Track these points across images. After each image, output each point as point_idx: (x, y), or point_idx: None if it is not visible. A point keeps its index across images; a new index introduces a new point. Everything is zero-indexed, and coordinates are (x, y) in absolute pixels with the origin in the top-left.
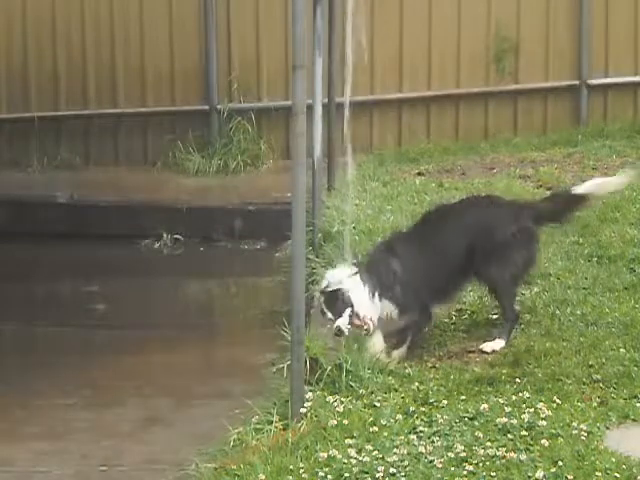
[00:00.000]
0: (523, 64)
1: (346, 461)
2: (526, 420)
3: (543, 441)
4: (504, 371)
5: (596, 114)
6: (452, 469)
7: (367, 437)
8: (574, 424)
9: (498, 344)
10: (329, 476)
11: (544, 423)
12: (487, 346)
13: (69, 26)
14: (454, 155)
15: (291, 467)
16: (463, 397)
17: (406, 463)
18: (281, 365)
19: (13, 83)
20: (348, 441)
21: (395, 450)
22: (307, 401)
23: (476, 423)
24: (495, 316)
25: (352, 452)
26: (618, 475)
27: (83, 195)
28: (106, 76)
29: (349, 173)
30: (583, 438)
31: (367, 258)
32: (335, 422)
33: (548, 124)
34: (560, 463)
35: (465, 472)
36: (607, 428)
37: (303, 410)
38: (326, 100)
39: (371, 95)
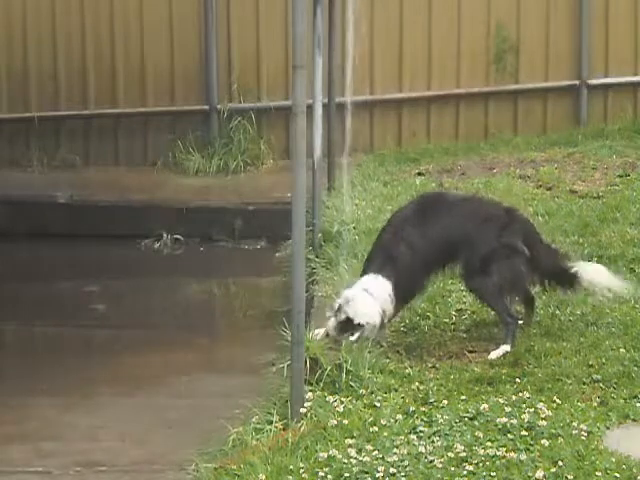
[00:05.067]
0: (523, 64)
1: (346, 461)
2: (526, 420)
3: (543, 441)
4: (504, 371)
5: (596, 114)
6: (452, 469)
7: (367, 437)
8: (574, 424)
9: (503, 349)
10: (329, 476)
11: (544, 423)
12: (493, 354)
13: (69, 26)
14: (454, 155)
15: (291, 467)
16: (463, 397)
17: (406, 463)
18: (281, 365)
19: (13, 83)
20: (348, 441)
21: (395, 450)
22: (307, 401)
23: (476, 423)
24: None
25: (352, 452)
26: (618, 475)
27: (83, 195)
28: (106, 76)
29: (349, 173)
30: (583, 438)
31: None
32: (335, 422)
33: (548, 124)
34: (560, 463)
35: (465, 472)
36: (607, 428)
37: (303, 410)
38: (326, 100)
39: (371, 95)
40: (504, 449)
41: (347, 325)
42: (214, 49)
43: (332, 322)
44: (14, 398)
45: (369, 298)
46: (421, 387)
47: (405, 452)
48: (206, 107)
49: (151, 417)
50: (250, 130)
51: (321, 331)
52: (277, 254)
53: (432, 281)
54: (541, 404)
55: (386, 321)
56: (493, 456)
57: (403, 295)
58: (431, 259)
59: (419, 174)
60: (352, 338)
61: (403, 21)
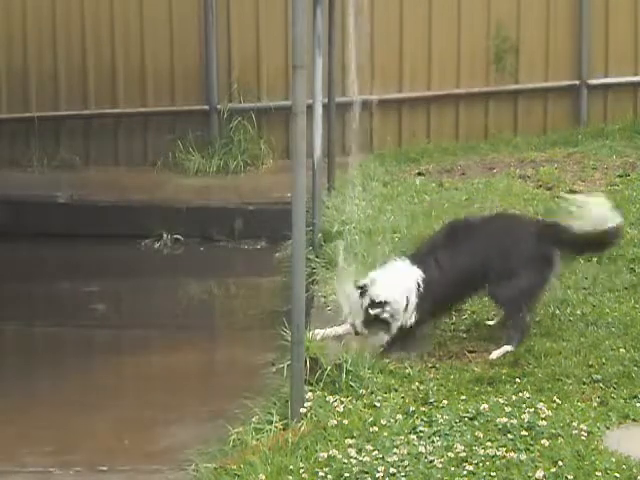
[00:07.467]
0: (523, 64)
1: (346, 461)
2: (526, 420)
3: (543, 441)
4: (504, 371)
5: (596, 114)
6: (452, 469)
7: (367, 437)
8: (574, 424)
9: (505, 349)
10: (329, 476)
11: (544, 423)
12: (494, 354)
13: (69, 26)
14: (454, 155)
15: (291, 467)
16: (463, 397)
17: (406, 463)
18: (281, 365)
19: (13, 83)
20: (348, 441)
21: (395, 450)
22: (307, 401)
23: (476, 423)
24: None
25: (352, 452)
26: (618, 475)
27: (83, 195)
28: (106, 76)
29: (349, 173)
30: (583, 438)
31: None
32: (335, 422)
33: (548, 124)
34: (560, 463)
35: (465, 472)
36: (607, 428)
37: (303, 410)
38: (326, 100)
39: (371, 95)
40: (504, 449)
41: (374, 320)
42: (214, 49)
43: (358, 314)
44: (14, 398)
45: (393, 278)
46: (421, 387)
47: (405, 452)
48: (206, 107)
49: (151, 417)
50: (250, 130)
51: (321, 331)
52: (277, 254)
53: (462, 302)
54: (541, 404)
55: (412, 319)
56: (493, 456)
57: (433, 297)
58: (464, 277)
59: (419, 174)
60: (386, 337)
61: (403, 21)
